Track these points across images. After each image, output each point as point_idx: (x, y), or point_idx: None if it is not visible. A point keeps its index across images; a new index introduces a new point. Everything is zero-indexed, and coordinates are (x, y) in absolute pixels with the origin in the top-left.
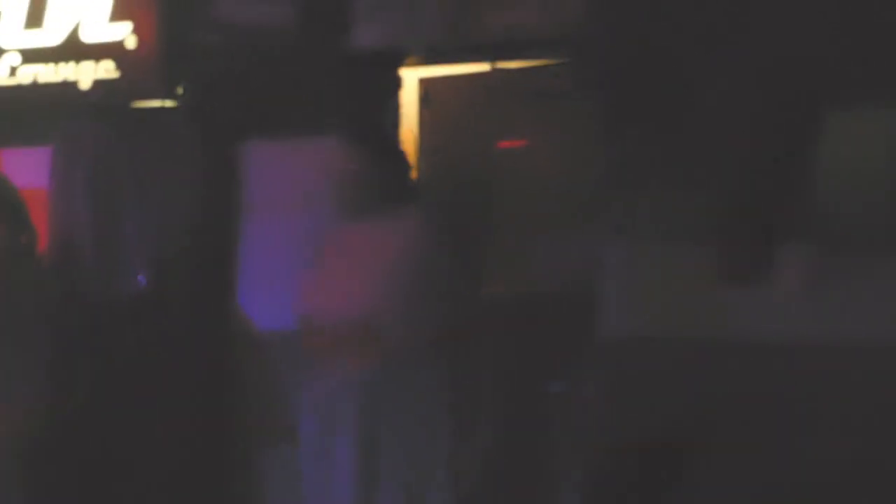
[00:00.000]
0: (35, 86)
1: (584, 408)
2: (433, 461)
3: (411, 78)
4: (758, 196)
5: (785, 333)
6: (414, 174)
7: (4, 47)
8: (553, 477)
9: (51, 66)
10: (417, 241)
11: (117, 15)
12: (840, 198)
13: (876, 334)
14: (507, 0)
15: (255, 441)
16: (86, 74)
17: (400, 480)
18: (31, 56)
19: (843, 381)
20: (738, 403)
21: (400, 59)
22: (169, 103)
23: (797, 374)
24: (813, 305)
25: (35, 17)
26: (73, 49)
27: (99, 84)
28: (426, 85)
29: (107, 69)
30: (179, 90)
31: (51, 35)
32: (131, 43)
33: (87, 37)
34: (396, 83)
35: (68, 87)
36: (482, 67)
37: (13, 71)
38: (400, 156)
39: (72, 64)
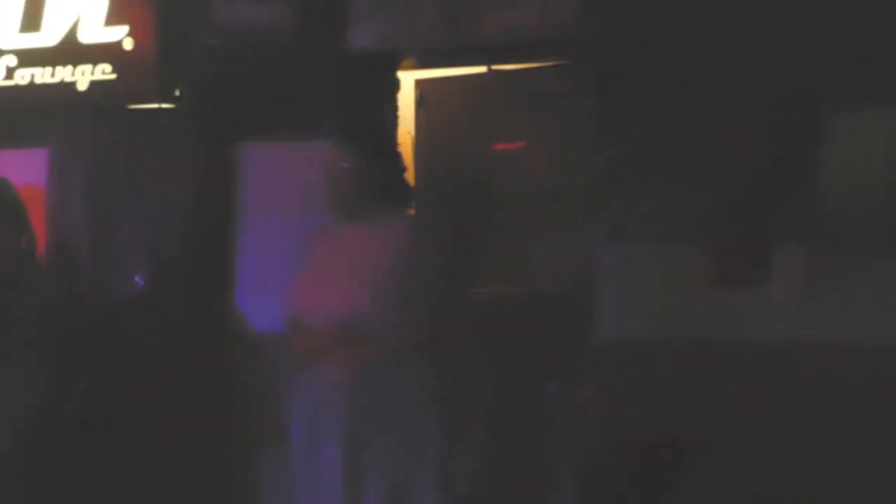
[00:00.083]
0: (32, 88)
1: (581, 409)
2: (422, 462)
3: (408, 79)
4: (756, 197)
5: (784, 334)
6: (408, 175)
7: (2, 49)
8: (548, 478)
9: (48, 67)
10: (409, 242)
11: (114, 17)
12: (839, 198)
13: (875, 335)
14: (505, 1)
15: (247, 441)
16: (83, 76)
17: (388, 481)
18: (28, 57)
19: (842, 382)
20: (737, 404)
21: (397, 60)
22: (166, 105)
23: (796, 375)
24: (812, 306)
25: (32, 19)
26: (70, 51)
27: (96, 86)
28: (423, 86)
29: (104, 71)
30: (176, 92)
31: (48, 36)
32: (128, 45)
33: (85, 38)
34: (392, 84)
35: (65, 88)
36: (479, 69)
37: (11, 73)
38: (394, 157)
39: (69, 66)
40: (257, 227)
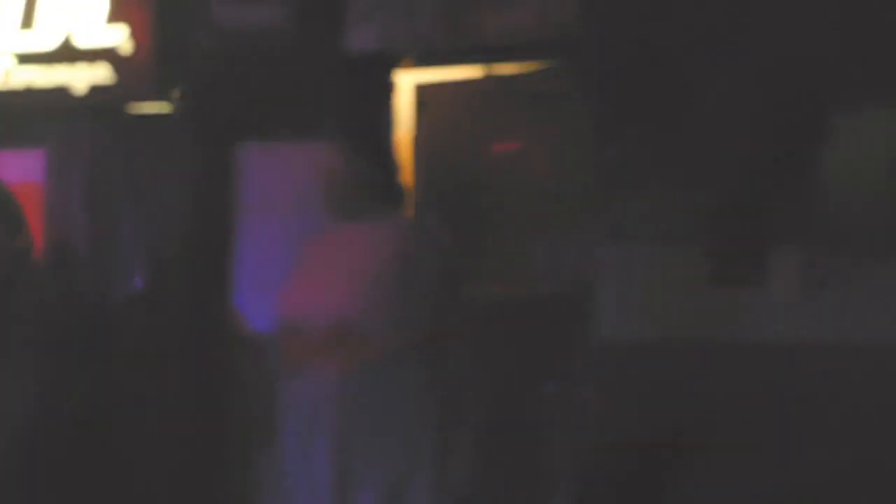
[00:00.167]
0: (31, 89)
1: (580, 410)
2: (418, 465)
3: (408, 80)
4: (756, 197)
5: (784, 334)
6: (405, 177)
7: (1, 49)
8: (547, 479)
9: (46, 69)
10: (407, 243)
11: (113, 18)
12: (839, 198)
13: (875, 335)
14: (505, 1)
15: (242, 441)
16: (82, 78)
17: (383, 483)
18: (26, 60)
19: (842, 382)
20: (737, 404)
21: (396, 61)
22: (164, 107)
23: (796, 375)
24: (812, 306)
25: (31, 21)
26: (68, 53)
27: (95, 88)
28: (421, 87)
29: (102, 73)
30: (174, 94)
31: (46, 39)
32: (127, 47)
33: (83, 40)
34: (391, 85)
35: (64, 90)
36: (479, 70)
37: (10, 73)
38: (391, 158)
39: (67, 68)
40: (254, 227)
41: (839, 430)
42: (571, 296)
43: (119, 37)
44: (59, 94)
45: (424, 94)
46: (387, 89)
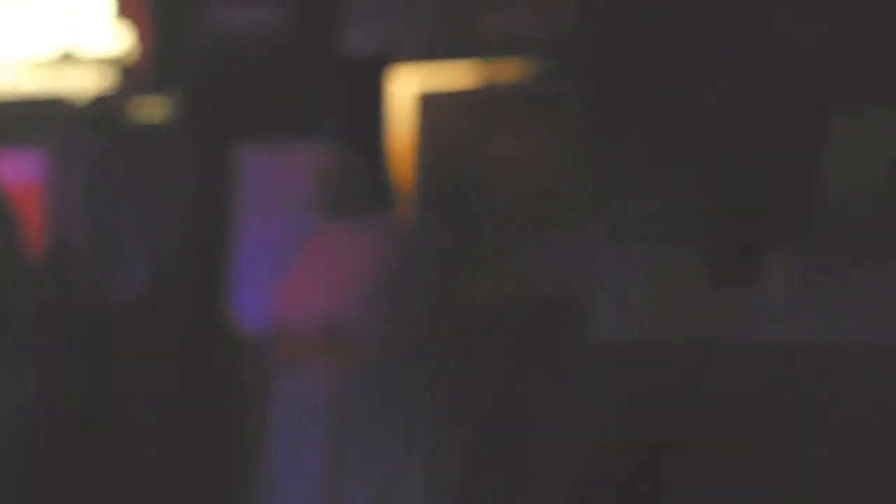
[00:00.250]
0: (31, 90)
1: (579, 410)
2: (408, 466)
3: (407, 81)
4: (756, 197)
5: (784, 334)
6: (406, 178)
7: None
8: (544, 480)
9: (46, 70)
10: (402, 244)
11: (113, 19)
12: (839, 198)
13: (875, 335)
14: (505, 1)
15: (236, 441)
16: (81, 79)
17: (374, 484)
18: (26, 60)
19: (842, 382)
20: (736, 405)
21: (395, 61)
22: (163, 108)
23: (796, 376)
24: (812, 306)
25: (31, 22)
26: (68, 53)
27: (95, 88)
28: (422, 87)
29: (102, 73)
30: (173, 96)
31: (47, 39)
32: (126, 47)
33: (83, 41)
34: (391, 86)
35: (64, 91)
36: (478, 70)
37: (8, 75)
38: (389, 159)
39: (67, 68)
40: (251, 227)
41: (839, 431)
42: (570, 296)
43: (119, 37)
44: (59, 95)
45: (425, 94)
46: (386, 90)
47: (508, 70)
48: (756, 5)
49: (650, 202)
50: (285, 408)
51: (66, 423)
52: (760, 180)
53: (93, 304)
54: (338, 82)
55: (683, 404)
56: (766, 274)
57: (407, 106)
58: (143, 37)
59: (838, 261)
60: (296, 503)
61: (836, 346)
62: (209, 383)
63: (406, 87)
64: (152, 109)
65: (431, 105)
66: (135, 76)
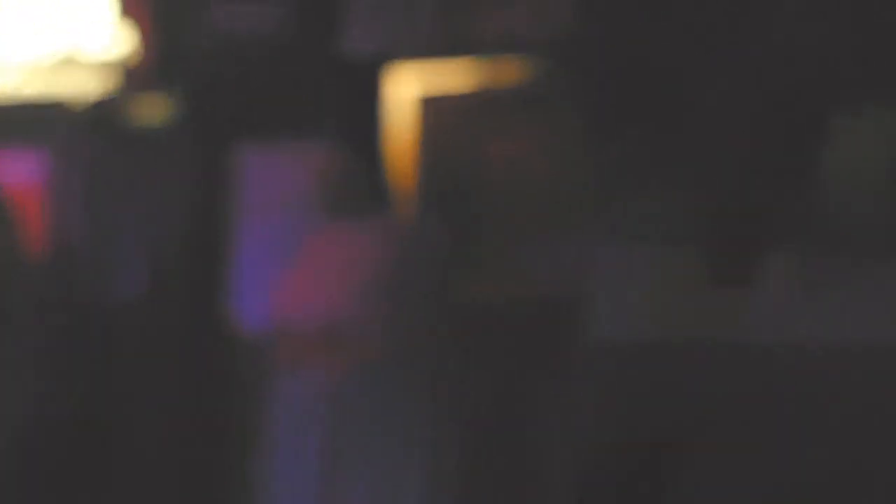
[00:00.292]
0: (31, 91)
1: (579, 410)
2: (408, 466)
3: (407, 81)
4: (756, 197)
5: (784, 335)
6: (407, 179)
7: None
8: (544, 481)
9: (46, 70)
10: (401, 245)
11: (113, 20)
12: (839, 198)
13: (875, 335)
14: (506, 2)
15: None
16: (82, 79)
17: (373, 485)
18: (26, 61)
19: (842, 382)
20: (736, 405)
21: (395, 62)
22: (163, 108)
23: (796, 376)
24: (812, 306)
25: (31, 23)
26: (69, 54)
27: (95, 89)
28: (423, 89)
29: (102, 74)
30: (173, 96)
31: (46, 39)
32: (127, 48)
33: (83, 42)
34: (390, 86)
35: (64, 92)
36: (478, 70)
37: (9, 76)
38: (386, 160)
39: (68, 69)
40: (250, 227)
41: (839, 431)
42: (570, 296)
43: (120, 38)
44: (60, 96)
45: (425, 94)
46: (386, 90)
47: (508, 70)
48: (756, 5)
49: (650, 202)
50: (285, 408)
51: (66, 423)
52: (760, 180)
53: (93, 304)
54: (338, 82)
55: (683, 404)
56: (766, 274)
57: (407, 106)
58: (144, 38)
59: (838, 261)
60: (295, 503)
61: (836, 346)
62: (209, 383)
63: (406, 87)
64: (152, 110)
65: (431, 105)
66: (135, 77)
